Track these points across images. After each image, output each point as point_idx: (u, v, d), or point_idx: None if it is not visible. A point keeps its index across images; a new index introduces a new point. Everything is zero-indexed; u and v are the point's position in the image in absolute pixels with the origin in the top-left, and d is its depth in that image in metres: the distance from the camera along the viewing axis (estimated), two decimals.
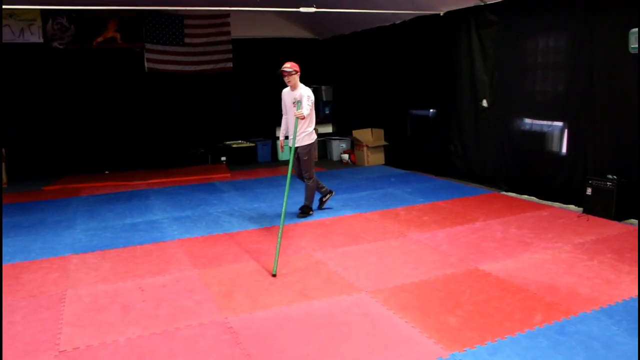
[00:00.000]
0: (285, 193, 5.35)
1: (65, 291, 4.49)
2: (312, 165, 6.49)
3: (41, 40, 9.89)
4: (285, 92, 6.36)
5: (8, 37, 9.63)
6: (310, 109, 6.16)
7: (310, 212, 6.75)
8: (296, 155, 6.31)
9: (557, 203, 6.89)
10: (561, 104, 6.84)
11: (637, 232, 5.51)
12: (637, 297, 4.00)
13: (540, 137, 7.20)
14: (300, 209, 6.76)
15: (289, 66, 6.09)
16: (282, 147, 6.79)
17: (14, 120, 10.11)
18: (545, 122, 7.13)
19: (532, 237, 5.57)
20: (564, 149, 6.90)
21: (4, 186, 9.59)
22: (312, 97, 6.18)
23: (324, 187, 6.91)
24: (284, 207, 5.18)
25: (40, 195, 8.69)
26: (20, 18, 9.65)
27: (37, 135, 10.34)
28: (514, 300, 4.03)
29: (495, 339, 3.44)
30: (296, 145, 6.17)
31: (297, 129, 6.03)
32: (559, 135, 6.96)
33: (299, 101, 5.95)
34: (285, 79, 6.16)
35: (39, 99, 10.28)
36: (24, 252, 5.61)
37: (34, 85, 10.22)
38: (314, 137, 6.43)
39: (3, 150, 9.93)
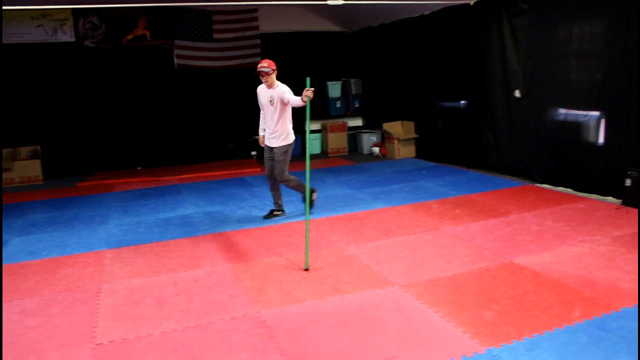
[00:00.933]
0: (307, 187, 5.31)
1: (101, 285, 4.55)
2: (286, 167, 6.20)
3: (73, 40, 10.05)
4: (261, 89, 6.10)
5: (41, 37, 9.82)
6: (289, 107, 6.02)
7: (313, 197, 6.49)
8: (271, 155, 6.21)
9: (594, 195, 6.71)
10: (597, 93, 6.64)
11: None
12: None
13: (576, 127, 7.01)
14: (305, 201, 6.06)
15: (266, 65, 5.81)
16: (262, 143, 6.36)
17: (48, 118, 10.31)
18: (580, 112, 6.94)
19: (568, 230, 5.44)
20: (601, 139, 6.70)
21: (40, 182, 9.82)
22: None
23: (279, 202, 6.58)
24: (307, 201, 5.09)
25: (75, 191, 8.84)
26: (52, 18, 9.83)
27: (71, 133, 10.51)
28: (552, 295, 3.93)
29: (533, 334, 3.36)
30: (273, 145, 6.12)
31: (278, 130, 6.00)
32: (595, 125, 6.77)
33: (307, 79, 5.43)
34: (263, 79, 5.91)
35: (72, 97, 10.45)
36: (61, 247, 5.72)
37: (67, 83, 10.38)
38: (292, 137, 6.20)
39: (39, 147, 10.16)
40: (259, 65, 5.85)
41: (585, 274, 4.29)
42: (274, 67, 5.91)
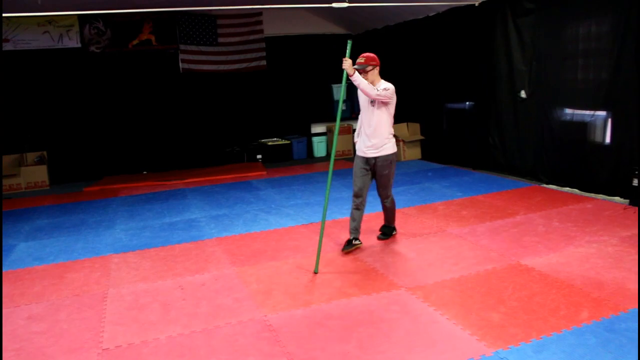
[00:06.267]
0: (327, 191, 5.28)
1: (107, 290, 4.56)
2: (391, 181, 5.25)
3: (79, 45, 10.12)
4: None
5: (48, 43, 9.90)
6: (387, 103, 5.00)
7: (394, 233, 5.68)
8: (369, 168, 5.16)
9: (602, 195, 6.67)
10: (604, 93, 6.61)
11: None
12: None
13: (583, 128, 6.98)
14: (380, 229, 5.66)
15: (363, 61, 4.97)
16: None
17: (54, 124, 10.36)
18: (587, 112, 6.91)
19: (575, 230, 5.41)
20: (608, 139, 6.67)
21: (46, 188, 9.86)
22: (392, 89, 4.98)
23: (359, 229, 5.35)
24: (325, 205, 4.99)
25: (81, 197, 8.87)
26: (58, 24, 9.90)
27: (77, 138, 10.56)
28: (559, 296, 3.91)
29: (540, 336, 3.34)
30: (375, 155, 5.07)
31: (377, 136, 5.03)
32: (602, 124, 6.74)
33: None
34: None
35: (78, 103, 10.50)
36: (67, 252, 5.73)
37: (73, 89, 10.44)
38: (394, 144, 5.19)
39: (45, 153, 10.21)
40: (356, 62, 4.99)
41: (592, 274, 4.26)
42: (376, 62, 5.01)
